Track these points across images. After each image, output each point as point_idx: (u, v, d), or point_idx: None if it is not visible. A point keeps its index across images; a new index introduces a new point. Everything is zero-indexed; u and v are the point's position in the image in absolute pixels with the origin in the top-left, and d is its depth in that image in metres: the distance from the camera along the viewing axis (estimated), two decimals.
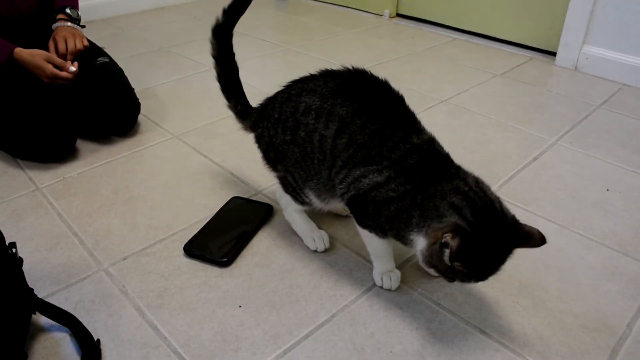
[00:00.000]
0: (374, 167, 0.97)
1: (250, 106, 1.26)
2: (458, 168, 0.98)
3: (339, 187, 1.03)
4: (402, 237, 0.97)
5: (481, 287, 1.11)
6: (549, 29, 2.38)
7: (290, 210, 1.22)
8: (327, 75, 1.07)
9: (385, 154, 0.96)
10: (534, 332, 1.00)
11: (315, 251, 1.20)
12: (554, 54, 2.35)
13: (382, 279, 1.10)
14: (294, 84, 1.12)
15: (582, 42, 2.22)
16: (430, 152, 0.98)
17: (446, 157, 0.99)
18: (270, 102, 1.16)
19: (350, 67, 1.07)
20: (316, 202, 1.13)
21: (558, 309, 1.06)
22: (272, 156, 1.15)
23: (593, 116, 1.84)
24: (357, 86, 1.03)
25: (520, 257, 1.19)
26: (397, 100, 1.03)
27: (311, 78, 1.09)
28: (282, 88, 1.14)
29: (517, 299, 1.08)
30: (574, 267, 1.17)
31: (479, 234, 0.86)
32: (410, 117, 1.02)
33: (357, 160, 0.99)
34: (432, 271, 1.00)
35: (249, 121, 1.23)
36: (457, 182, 0.92)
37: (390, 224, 0.98)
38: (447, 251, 0.85)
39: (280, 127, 1.09)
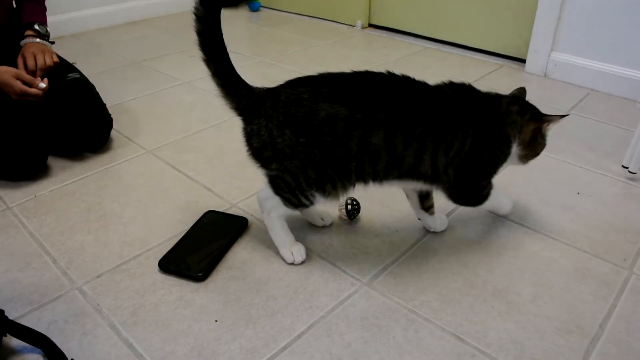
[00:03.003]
0: (453, 139, 1.09)
1: (240, 79, 1.13)
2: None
3: (443, 179, 1.13)
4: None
5: (456, 293, 1.12)
6: (518, 37, 2.42)
7: (274, 215, 1.19)
8: (336, 80, 1.08)
9: (449, 127, 1.08)
10: (509, 337, 1.01)
11: (292, 264, 1.20)
12: (523, 61, 2.40)
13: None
14: (300, 85, 1.08)
15: (550, 49, 2.27)
16: (472, 97, 1.15)
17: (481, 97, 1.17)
18: (269, 97, 1.09)
19: (352, 71, 1.10)
20: (320, 201, 1.13)
21: (532, 313, 1.07)
22: (268, 155, 1.09)
23: (562, 121, 1.87)
24: (376, 88, 1.07)
25: (494, 263, 1.20)
26: (407, 82, 1.11)
27: (319, 82, 1.08)
28: (286, 88, 1.09)
29: (492, 304, 1.09)
30: (546, 271, 1.19)
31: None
32: (428, 86, 1.11)
33: (430, 148, 1.07)
34: (526, 163, 1.23)
35: (235, 101, 1.12)
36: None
37: (496, 167, 1.19)
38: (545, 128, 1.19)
39: (289, 129, 1.05)
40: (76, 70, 1.74)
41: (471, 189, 1.19)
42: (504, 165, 1.20)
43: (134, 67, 2.40)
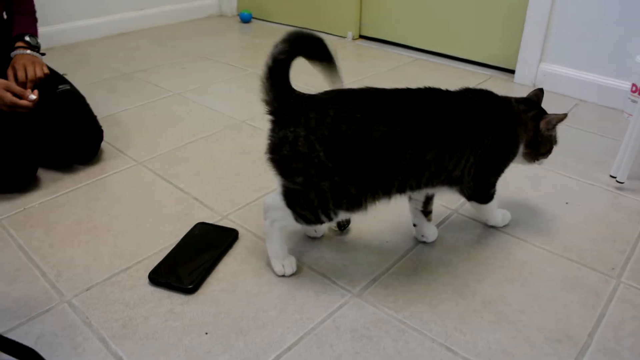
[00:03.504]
0: (486, 141, 1.16)
1: (287, 78, 1.09)
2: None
3: (466, 185, 1.20)
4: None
5: (446, 304, 1.12)
6: (507, 48, 2.44)
7: (276, 226, 1.16)
8: (385, 99, 1.08)
9: (482, 131, 1.15)
10: (498, 347, 1.02)
11: (282, 276, 1.20)
12: (512, 71, 2.42)
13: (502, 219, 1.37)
14: (350, 102, 1.05)
15: (539, 60, 2.29)
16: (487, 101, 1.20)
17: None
18: (312, 108, 1.05)
19: (394, 88, 1.12)
20: (342, 218, 1.14)
21: (522, 323, 1.08)
22: (297, 167, 1.04)
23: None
24: (424, 105, 1.09)
25: (484, 273, 1.21)
26: (444, 95, 1.15)
27: (369, 100, 1.07)
28: (334, 104, 1.05)
29: (481, 315, 1.09)
30: (536, 280, 1.19)
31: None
32: (458, 95, 1.17)
33: (467, 154, 1.13)
34: (533, 162, 1.31)
35: (272, 97, 1.08)
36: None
37: (505, 165, 1.25)
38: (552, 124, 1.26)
39: (335, 146, 1.02)
40: (67, 82, 1.74)
41: (483, 186, 1.25)
42: (511, 163, 1.28)
43: (124, 78, 2.41)
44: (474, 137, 1.13)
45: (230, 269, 1.22)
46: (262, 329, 1.06)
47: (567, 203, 1.48)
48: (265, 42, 2.99)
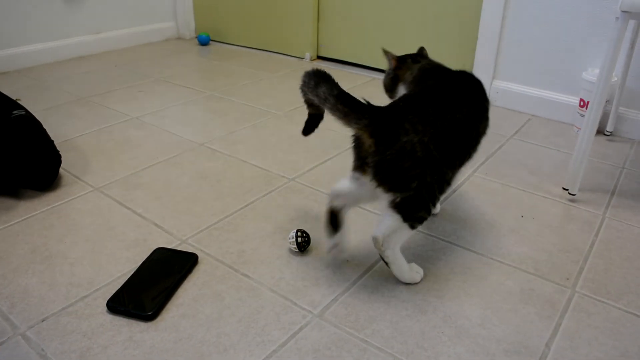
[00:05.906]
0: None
1: (357, 99, 1.12)
2: None
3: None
4: None
5: (407, 320, 1.13)
6: (461, 66, 2.50)
7: (398, 247, 1.19)
8: (443, 90, 1.22)
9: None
10: None
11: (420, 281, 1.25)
12: None
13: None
14: (438, 98, 1.17)
15: (492, 77, 2.35)
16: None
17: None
18: (408, 113, 1.10)
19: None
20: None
21: (481, 336, 1.09)
22: (415, 172, 1.08)
23: (506, 147, 1.95)
24: (458, 89, 1.24)
25: (443, 289, 1.23)
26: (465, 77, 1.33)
27: (442, 93, 1.20)
28: (427, 100, 1.16)
29: (442, 330, 1.11)
30: (494, 294, 1.21)
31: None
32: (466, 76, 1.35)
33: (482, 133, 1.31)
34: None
35: (365, 121, 1.09)
36: None
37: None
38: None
39: (440, 139, 1.10)
40: (21, 107, 1.71)
41: None
42: None
43: (81, 103, 2.37)
44: (483, 113, 1.28)
45: (190, 294, 1.20)
46: (224, 353, 1.05)
47: (522, 216, 1.52)
48: (223, 64, 3.00)
